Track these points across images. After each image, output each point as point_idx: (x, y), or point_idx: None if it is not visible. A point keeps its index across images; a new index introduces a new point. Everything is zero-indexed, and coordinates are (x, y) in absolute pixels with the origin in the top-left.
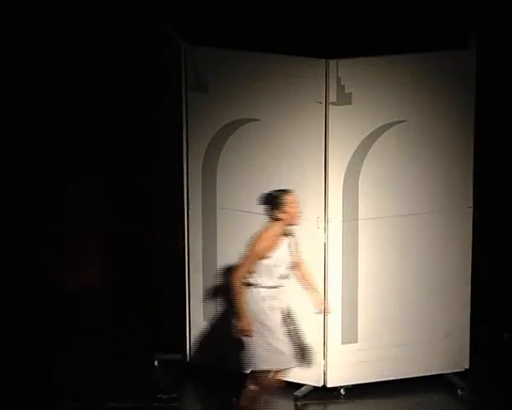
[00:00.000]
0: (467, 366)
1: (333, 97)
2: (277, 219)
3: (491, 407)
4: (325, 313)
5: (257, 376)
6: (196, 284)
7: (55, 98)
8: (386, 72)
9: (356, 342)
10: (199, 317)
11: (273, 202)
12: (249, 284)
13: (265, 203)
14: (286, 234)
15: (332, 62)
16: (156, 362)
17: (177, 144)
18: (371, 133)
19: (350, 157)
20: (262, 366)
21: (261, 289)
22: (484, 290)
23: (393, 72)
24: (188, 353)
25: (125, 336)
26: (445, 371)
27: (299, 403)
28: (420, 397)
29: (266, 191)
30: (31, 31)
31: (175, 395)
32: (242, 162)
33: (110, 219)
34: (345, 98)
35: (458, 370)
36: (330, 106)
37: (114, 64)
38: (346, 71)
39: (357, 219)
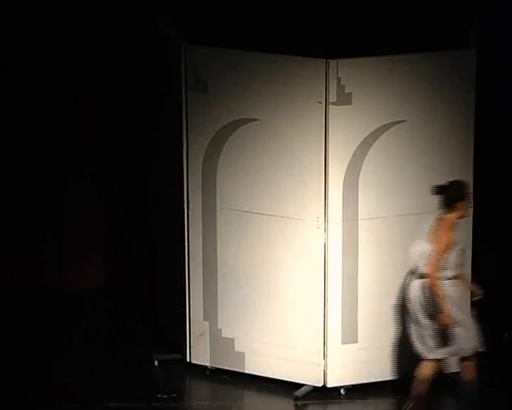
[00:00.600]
0: None
1: (333, 97)
2: (454, 210)
3: (491, 406)
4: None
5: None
6: (196, 284)
7: (55, 99)
8: (386, 72)
9: (356, 342)
10: (199, 316)
11: (460, 192)
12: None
13: (449, 194)
14: (457, 223)
15: (332, 62)
16: (156, 362)
17: (177, 144)
18: (371, 133)
19: (350, 157)
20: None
21: (446, 282)
22: (484, 290)
23: (393, 72)
24: (188, 353)
25: (125, 336)
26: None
27: (299, 403)
28: None
29: (443, 183)
30: (30, 31)
31: (175, 395)
32: (242, 162)
33: (110, 219)
34: (345, 98)
35: (458, 370)
36: (330, 106)
37: (114, 64)
38: (346, 71)
39: (358, 219)
